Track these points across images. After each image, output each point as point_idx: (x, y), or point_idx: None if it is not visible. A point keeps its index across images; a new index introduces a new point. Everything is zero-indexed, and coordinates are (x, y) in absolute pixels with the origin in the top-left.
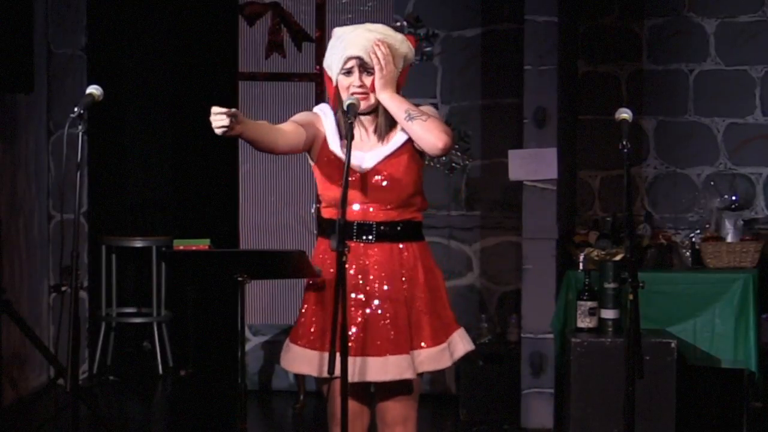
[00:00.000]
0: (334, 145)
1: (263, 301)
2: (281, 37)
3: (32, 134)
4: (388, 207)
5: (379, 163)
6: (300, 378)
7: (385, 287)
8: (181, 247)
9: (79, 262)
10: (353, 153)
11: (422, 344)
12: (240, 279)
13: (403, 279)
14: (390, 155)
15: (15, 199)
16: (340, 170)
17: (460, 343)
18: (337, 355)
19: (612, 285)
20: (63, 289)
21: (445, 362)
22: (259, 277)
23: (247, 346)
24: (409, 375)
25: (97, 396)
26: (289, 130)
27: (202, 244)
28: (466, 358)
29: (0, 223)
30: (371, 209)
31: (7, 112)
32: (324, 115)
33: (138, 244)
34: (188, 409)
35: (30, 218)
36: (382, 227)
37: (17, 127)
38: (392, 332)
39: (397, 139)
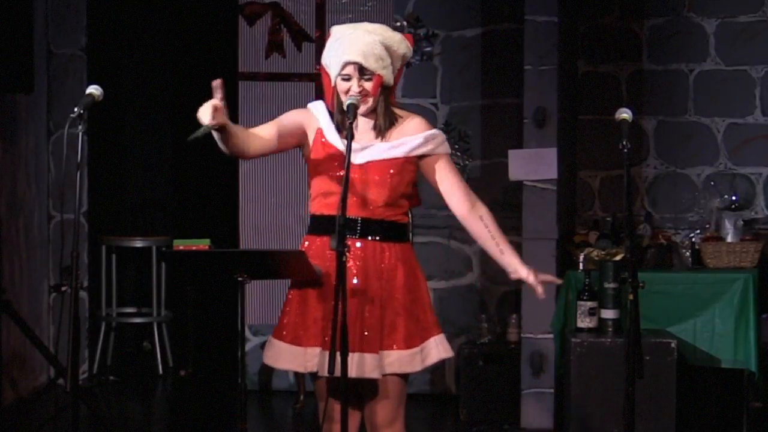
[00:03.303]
0: (332, 137)
1: (263, 301)
2: (281, 37)
3: (32, 134)
4: (375, 204)
5: (372, 160)
6: (300, 378)
7: (362, 284)
8: (181, 247)
9: (79, 262)
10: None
11: (394, 346)
12: (240, 279)
13: (382, 278)
14: (385, 156)
15: (15, 199)
16: (334, 162)
17: (435, 349)
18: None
19: (612, 285)
20: (63, 289)
21: (415, 366)
22: (259, 277)
23: (247, 346)
24: (375, 375)
25: (97, 396)
26: (263, 136)
27: (202, 244)
28: (467, 358)
29: (0, 223)
30: (358, 204)
31: (7, 112)
32: (317, 111)
33: (138, 244)
34: (188, 409)
35: (30, 218)
36: (366, 223)
37: (17, 127)
38: (364, 330)
39: (398, 143)
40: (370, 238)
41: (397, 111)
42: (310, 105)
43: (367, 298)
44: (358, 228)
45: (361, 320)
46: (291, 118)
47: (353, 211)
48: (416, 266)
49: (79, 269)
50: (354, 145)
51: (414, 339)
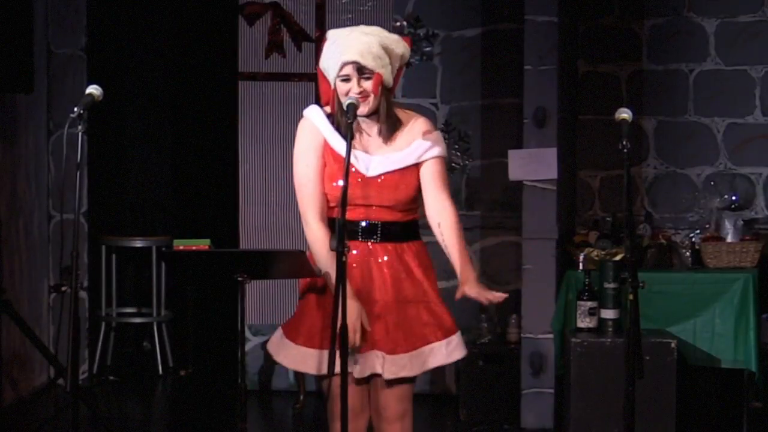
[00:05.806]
0: (336, 144)
1: (263, 301)
2: (281, 37)
3: (32, 134)
4: (392, 208)
5: (386, 172)
6: (300, 378)
7: (391, 286)
8: (181, 247)
9: (79, 262)
10: (358, 153)
11: (431, 339)
12: (240, 279)
13: (403, 277)
14: (398, 167)
15: (15, 199)
16: (344, 168)
17: (459, 346)
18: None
19: (612, 285)
20: (63, 289)
21: (456, 355)
22: (259, 277)
23: (247, 346)
24: (415, 372)
25: (97, 396)
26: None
27: (202, 244)
28: (467, 358)
29: (0, 223)
30: (376, 210)
31: (7, 112)
32: (316, 119)
33: (138, 244)
34: (188, 409)
35: (30, 218)
36: (387, 227)
37: (17, 127)
38: (399, 331)
39: (406, 151)
40: (391, 241)
41: (399, 112)
42: (306, 113)
43: (397, 299)
44: (379, 232)
45: (395, 322)
46: (312, 155)
47: (373, 216)
48: (430, 263)
49: (79, 269)
50: (364, 155)
51: (449, 330)
